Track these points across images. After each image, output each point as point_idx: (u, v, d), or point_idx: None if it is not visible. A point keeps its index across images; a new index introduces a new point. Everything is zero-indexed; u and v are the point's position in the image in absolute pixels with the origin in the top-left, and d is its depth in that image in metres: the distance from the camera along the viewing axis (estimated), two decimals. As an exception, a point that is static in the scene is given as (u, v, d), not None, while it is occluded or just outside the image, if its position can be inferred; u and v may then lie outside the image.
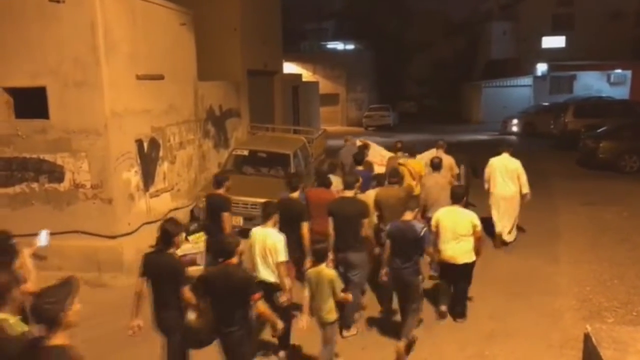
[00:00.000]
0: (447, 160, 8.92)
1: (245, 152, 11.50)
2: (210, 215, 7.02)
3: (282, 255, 5.09)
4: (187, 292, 4.61)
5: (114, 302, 7.35)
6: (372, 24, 40.00)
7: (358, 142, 11.12)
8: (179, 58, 10.25)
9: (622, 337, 4.78)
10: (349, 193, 6.34)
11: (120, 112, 8.21)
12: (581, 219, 10.74)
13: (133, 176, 8.62)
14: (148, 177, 9.08)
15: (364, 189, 7.06)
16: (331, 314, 5.05)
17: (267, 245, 5.20)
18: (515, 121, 26.37)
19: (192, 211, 10.40)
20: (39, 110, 8.00)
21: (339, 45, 39.94)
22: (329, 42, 40.33)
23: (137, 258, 8.57)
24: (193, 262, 8.43)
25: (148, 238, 8.78)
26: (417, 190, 8.09)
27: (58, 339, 3.09)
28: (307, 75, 30.73)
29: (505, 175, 8.63)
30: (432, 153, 9.59)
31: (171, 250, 4.86)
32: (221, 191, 6.95)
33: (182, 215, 10.16)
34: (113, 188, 8.13)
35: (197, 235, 8.77)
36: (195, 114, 11.07)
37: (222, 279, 4.49)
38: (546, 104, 27.94)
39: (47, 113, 8.00)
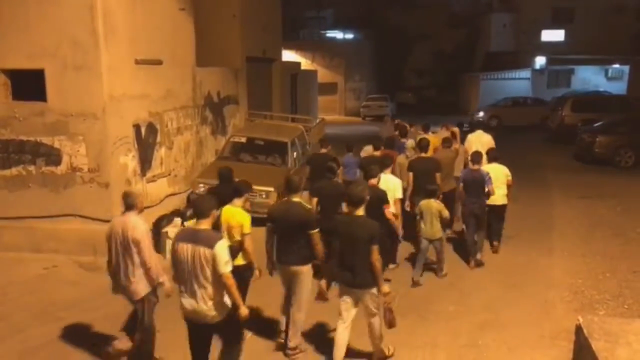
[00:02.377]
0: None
1: (243, 140, 11.49)
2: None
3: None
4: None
5: (108, 285, 7.35)
6: (372, 13, 39.78)
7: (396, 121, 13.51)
8: (177, 43, 10.20)
9: (613, 329, 4.85)
10: (424, 154, 8.38)
11: (118, 96, 8.18)
12: (576, 212, 10.82)
13: (130, 161, 8.61)
14: (145, 162, 9.08)
15: (400, 152, 9.24)
16: (438, 233, 7.33)
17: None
18: (481, 113, 26.60)
19: (188, 197, 10.41)
20: (37, 93, 7.98)
21: (339, 34, 39.72)
22: (328, 31, 40.09)
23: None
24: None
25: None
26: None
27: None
28: (305, 63, 30.60)
29: (480, 146, 9.44)
30: (443, 132, 11.17)
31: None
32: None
33: (179, 201, 10.17)
34: (110, 172, 8.13)
35: (193, 221, 8.78)
36: (193, 100, 11.05)
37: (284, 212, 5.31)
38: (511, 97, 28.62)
39: (45, 96, 7.98)
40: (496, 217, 8.32)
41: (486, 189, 7.70)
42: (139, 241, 4.86)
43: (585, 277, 7.56)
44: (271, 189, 9.53)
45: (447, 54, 40.83)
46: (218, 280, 4.26)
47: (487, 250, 8.51)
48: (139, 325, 5.10)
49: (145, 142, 9.08)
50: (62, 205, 8.21)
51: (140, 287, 4.97)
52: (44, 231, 8.27)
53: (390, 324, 5.10)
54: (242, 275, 5.31)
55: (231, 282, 4.28)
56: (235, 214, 5.43)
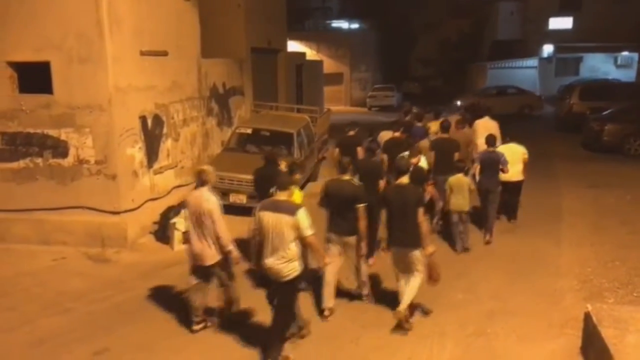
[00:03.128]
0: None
1: (249, 130, 11.48)
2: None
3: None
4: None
5: (116, 277, 7.44)
6: (377, 3, 39.47)
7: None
8: (182, 34, 10.18)
9: (622, 316, 4.83)
10: (445, 134, 9.12)
11: (124, 87, 8.18)
12: (584, 201, 10.74)
13: (137, 152, 8.63)
14: (152, 153, 9.09)
15: (422, 138, 9.82)
16: (467, 206, 7.96)
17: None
18: (459, 102, 26.85)
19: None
20: (43, 85, 7.99)
21: (344, 24, 39.46)
22: (333, 21, 39.85)
23: (141, 234, 8.70)
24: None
25: (152, 214, 8.87)
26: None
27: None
28: (311, 54, 30.44)
29: (485, 131, 9.61)
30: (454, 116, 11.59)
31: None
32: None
33: (186, 192, 10.18)
34: (117, 164, 8.15)
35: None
36: (199, 91, 11.03)
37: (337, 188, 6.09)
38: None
39: (51, 88, 7.99)
40: (513, 192, 9.04)
41: (501, 168, 8.32)
42: (212, 212, 5.42)
43: (594, 265, 7.51)
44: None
45: (453, 43, 40.51)
46: (294, 244, 4.95)
47: (495, 238, 8.49)
48: (220, 286, 5.83)
49: (152, 133, 9.09)
50: (69, 197, 8.25)
51: (213, 252, 5.53)
52: (52, 223, 8.31)
53: (435, 280, 5.86)
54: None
55: (315, 242, 5.05)
56: (299, 195, 6.28)
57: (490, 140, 8.57)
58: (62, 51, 7.83)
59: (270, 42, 16.81)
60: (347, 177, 6.15)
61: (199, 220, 5.47)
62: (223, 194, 9.78)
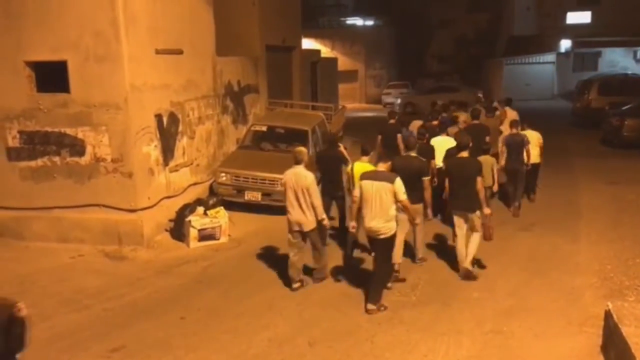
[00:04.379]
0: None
1: (264, 128, 11.49)
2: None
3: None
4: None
5: (133, 274, 7.49)
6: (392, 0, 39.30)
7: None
8: (197, 33, 10.21)
9: (644, 315, 4.73)
10: (476, 121, 10.48)
11: (139, 86, 8.23)
12: (603, 198, 10.57)
13: (153, 150, 8.67)
14: (167, 151, 9.14)
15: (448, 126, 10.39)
16: (491, 181, 8.58)
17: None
18: (398, 100, 28.69)
19: (211, 186, 10.47)
20: (60, 84, 8.06)
21: (359, 21, 39.29)
22: (348, 18, 39.71)
23: (157, 232, 8.76)
24: (212, 236, 8.53)
25: (167, 212, 8.92)
26: None
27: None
28: (325, 51, 30.39)
29: (509, 119, 11.00)
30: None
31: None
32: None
33: (202, 190, 10.24)
34: (133, 162, 8.21)
35: (215, 210, 8.83)
36: (214, 89, 11.06)
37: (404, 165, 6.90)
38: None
39: (67, 87, 8.06)
40: (532, 174, 10.04)
41: (524, 149, 9.45)
42: (309, 187, 6.47)
43: (614, 263, 7.39)
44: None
45: (469, 40, 40.19)
46: (392, 206, 5.99)
47: (512, 236, 8.41)
48: (314, 249, 6.88)
49: (168, 131, 9.14)
50: (86, 195, 8.32)
51: (310, 220, 6.57)
52: (69, 221, 8.40)
53: (490, 237, 7.00)
54: None
55: (408, 204, 6.08)
56: (364, 167, 7.10)
57: (515, 124, 9.75)
58: (79, 50, 7.89)
59: (284, 40, 16.80)
60: (413, 153, 7.19)
61: (297, 193, 6.47)
62: (238, 191, 9.83)
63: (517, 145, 9.42)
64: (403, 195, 5.96)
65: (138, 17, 8.17)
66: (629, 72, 28.42)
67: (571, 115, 21.62)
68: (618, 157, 14.31)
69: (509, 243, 8.27)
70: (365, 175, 6.15)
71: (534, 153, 9.69)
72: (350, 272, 7.10)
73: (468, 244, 6.94)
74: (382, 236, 6.00)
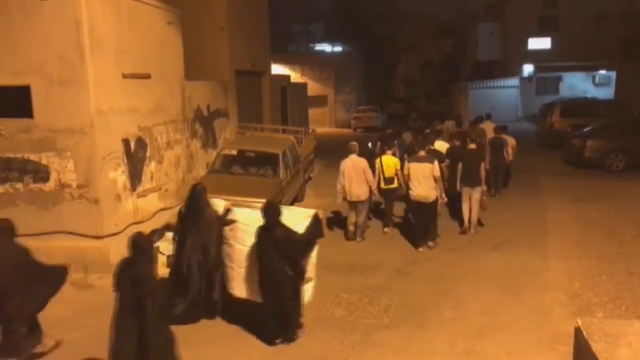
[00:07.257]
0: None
1: (234, 152, 11.42)
2: None
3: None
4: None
5: (99, 303, 7.22)
6: (360, 25, 40.03)
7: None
8: (165, 57, 10.16)
9: (612, 331, 4.77)
10: (460, 129, 13.68)
11: (106, 110, 8.10)
12: (569, 215, 10.80)
13: (120, 176, 8.50)
14: (135, 176, 8.97)
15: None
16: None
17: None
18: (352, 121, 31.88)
19: (180, 211, 10.27)
20: (22, 109, 7.87)
21: (327, 47, 39.88)
22: (317, 44, 40.27)
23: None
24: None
25: (135, 238, 8.68)
26: None
27: None
28: (295, 76, 30.62)
29: (490, 129, 13.28)
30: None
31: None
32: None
33: (170, 216, 10.04)
34: (99, 188, 8.02)
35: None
36: (183, 114, 10.98)
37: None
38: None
39: (31, 112, 7.87)
40: (506, 169, 12.64)
41: (504, 149, 12.04)
42: (364, 168, 9.16)
43: (582, 280, 7.51)
44: (263, 200, 9.44)
45: (435, 64, 41.19)
46: (432, 179, 8.71)
47: (482, 255, 8.48)
48: (360, 215, 9.45)
49: (135, 156, 8.99)
50: (51, 222, 8.07)
51: (365, 191, 9.23)
52: (33, 249, 8.07)
53: (485, 207, 9.83)
54: (394, 193, 9.84)
55: (439, 178, 8.82)
56: (390, 159, 9.68)
57: (497, 130, 12.41)
58: (43, 74, 7.74)
59: (254, 65, 16.89)
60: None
61: (355, 173, 9.07)
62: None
63: (499, 146, 12.01)
64: (438, 172, 8.74)
65: (104, 41, 8.08)
66: (589, 95, 29.45)
67: (536, 137, 22.17)
68: (581, 177, 14.70)
69: (479, 262, 8.35)
70: (412, 159, 8.99)
71: (509, 152, 12.26)
72: (327, 298, 7.02)
73: (471, 211, 9.58)
74: (429, 200, 8.69)
